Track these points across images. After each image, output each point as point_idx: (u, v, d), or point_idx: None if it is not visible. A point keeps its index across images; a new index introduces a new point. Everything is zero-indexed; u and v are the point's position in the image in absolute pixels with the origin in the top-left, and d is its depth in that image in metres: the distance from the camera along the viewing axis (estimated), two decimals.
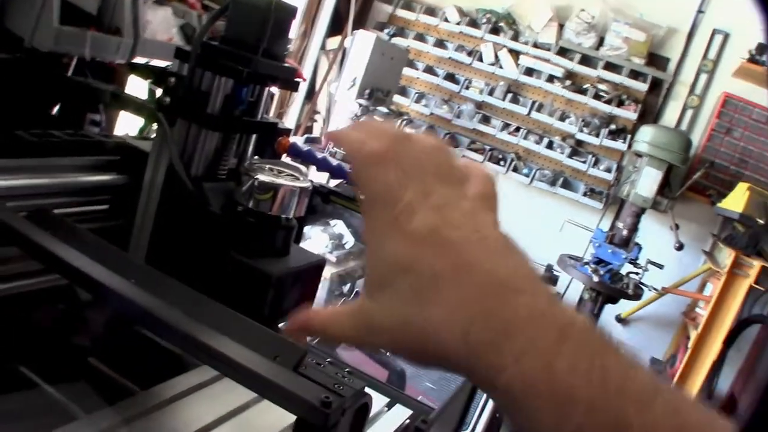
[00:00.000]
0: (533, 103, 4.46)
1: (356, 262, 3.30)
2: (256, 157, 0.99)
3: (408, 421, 0.94)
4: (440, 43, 4.74)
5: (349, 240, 3.71)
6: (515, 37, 4.51)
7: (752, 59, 3.84)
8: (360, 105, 3.74)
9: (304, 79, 4.41)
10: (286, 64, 0.91)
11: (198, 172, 0.89)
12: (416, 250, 0.42)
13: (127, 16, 1.26)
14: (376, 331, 0.43)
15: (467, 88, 4.62)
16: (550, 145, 4.41)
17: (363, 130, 0.48)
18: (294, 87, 0.94)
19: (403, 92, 4.72)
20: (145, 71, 1.15)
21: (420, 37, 4.78)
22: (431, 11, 4.77)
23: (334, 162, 1.01)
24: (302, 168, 1.12)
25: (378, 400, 0.97)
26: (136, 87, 1.61)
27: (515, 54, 4.53)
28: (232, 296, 0.71)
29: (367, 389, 0.56)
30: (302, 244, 1.05)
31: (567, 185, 4.41)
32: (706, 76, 4.28)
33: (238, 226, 0.86)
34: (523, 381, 0.38)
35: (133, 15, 1.27)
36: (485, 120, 4.62)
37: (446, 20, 4.67)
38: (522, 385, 0.38)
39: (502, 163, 4.50)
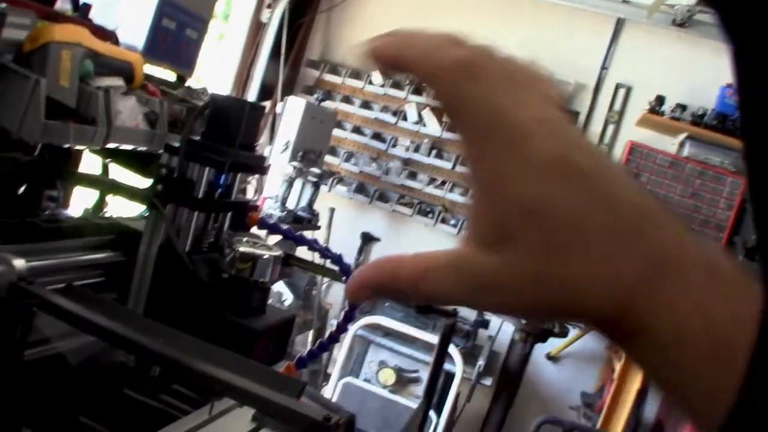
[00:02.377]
0: (457, 157, 4.75)
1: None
2: (229, 231, 1.16)
3: None
4: (366, 105, 5.01)
5: (288, 297, 3.86)
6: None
7: (652, 110, 4.28)
8: (294, 167, 3.93)
9: None
10: (256, 154, 1.09)
11: (187, 247, 1.05)
12: (550, 187, 0.34)
13: (101, 107, 1.42)
14: (492, 290, 0.36)
15: (394, 146, 4.88)
16: None
17: (421, 38, 0.38)
18: (264, 171, 1.12)
19: (333, 152, 4.94)
20: (125, 160, 1.30)
21: (347, 99, 5.04)
22: (356, 74, 5.05)
23: (296, 232, 1.19)
24: (262, 237, 1.29)
25: None
26: (89, 166, 1.76)
27: (438, 111, 4.84)
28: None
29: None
30: None
31: None
32: (613, 127, 4.69)
33: (224, 291, 1.02)
34: (678, 329, 0.32)
35: (105, 106, 1.43)
36: (412, 176, 4.88)
37: (371, 83, 4.95)
38: (676, 334, 0.33)
39: (430, 215, 4.76)
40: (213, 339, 1.00)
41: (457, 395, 3.76)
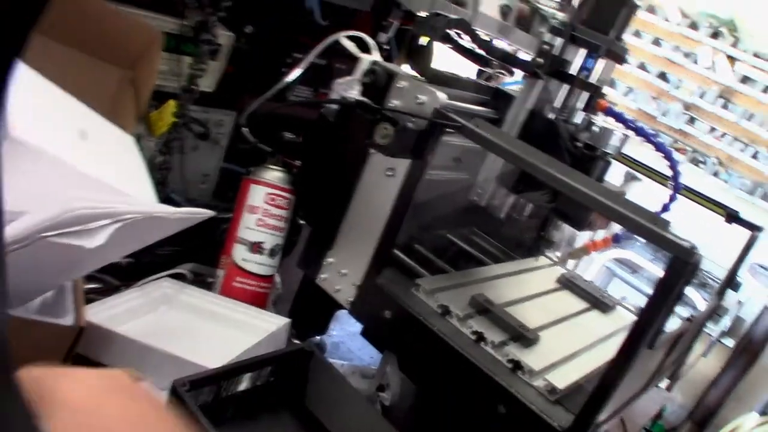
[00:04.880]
0: (745, 111, 4.47)
1: None
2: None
3: None
4: (655, 41, 4.85)
5: None
6: (734, 44, 4.52)
7: None
8: None
9: None
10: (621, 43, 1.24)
11: (553, 114, 1.24)
12: None
13: None
14: None
15: (677, 88, 4.70)
16: (755, 155, 4.42)
17: None
18: (624, 62, 1.26)
19: (612, 84, 4.89)
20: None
21: (636, 33, 4.90)
22: (652, 9, 4.87)
23: (637, 124, 1.32)
24: None
25: None
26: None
27: (732, 60, 4.55)
28: None
29: None
30: None
31: (766, 197, 4.40)
32: None
33: (579, 157, 1.20)
34: None
35: None
36: (691, 121, 4.69)
37: (666, 19, 4.76)
38: None
39: (701, 165, 4.57)
40: None
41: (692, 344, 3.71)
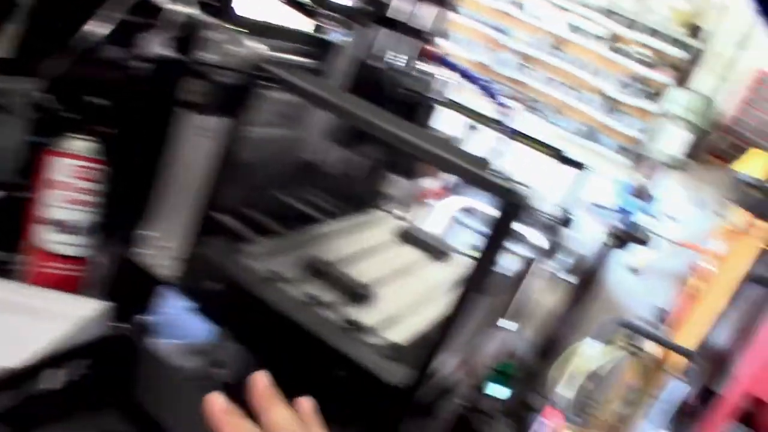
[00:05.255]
0: (574, 59, 4.70)
1: None
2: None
3: None
4: None
5: None
6: None
7: None
8: None
9: None
10: None
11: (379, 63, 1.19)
12: None
13: None
14: None
15: (511, 37, 4.86)
16: (584, 100, 4.68)
17: None
18: (449, 7, 1.24)
19: (449, 37, 4.97)
20: None
21: None
22: None
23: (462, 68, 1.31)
24: None
25: None
26: None
27: (562, 11, 4.75)
28: None
29: None
30: None
31: (596, 139, 4.69)
32: (739, 49, 4.51)
33: (406, 104, 1.17)
34: None
35: None
36: (525, 70, 4.87)
37: None
38: None
39: (538, 113, 4.78)
40: None
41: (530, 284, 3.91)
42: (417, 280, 1.25)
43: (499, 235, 0.83)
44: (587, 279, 4.39)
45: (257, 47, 0.99)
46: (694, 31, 4.50)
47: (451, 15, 1.25)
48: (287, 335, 0.99)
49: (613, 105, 4.65)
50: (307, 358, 0.98)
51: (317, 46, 1.25)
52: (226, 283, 1.05)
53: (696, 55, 4.55)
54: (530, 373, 4.58)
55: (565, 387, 3.62)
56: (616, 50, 4.55)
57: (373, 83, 1.14)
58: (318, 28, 1.59)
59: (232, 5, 1.17)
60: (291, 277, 1.06)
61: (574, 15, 4.66)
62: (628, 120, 4.58)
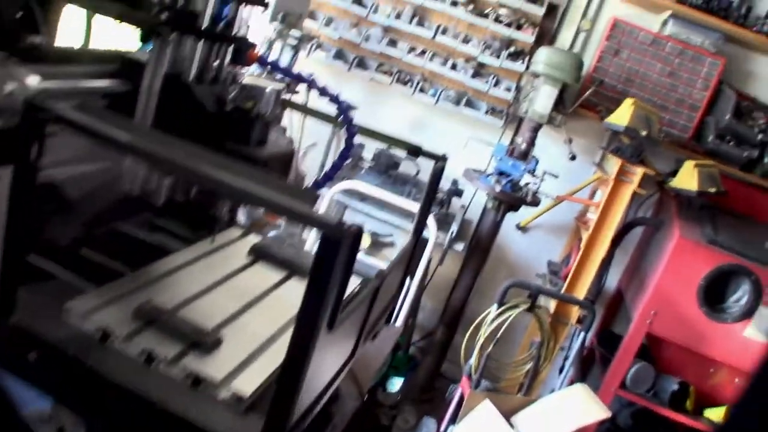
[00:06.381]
0: (438, 27, 4.67)
1: None
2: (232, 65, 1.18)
3: None
4: None
5: None
6: None
7: None
8: (274, 29, 3.84)
9: None
10: None
11: (191, 78, 1.07)
12: None
13: None
14: None
15: (375, 12, 4.77)
16: (453, 67, 4.67)
17: None
18: (262, 3, 1.12)
19: (312, 16, 4.82)
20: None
21: None
22: None
23: (295, 71, 1.21)
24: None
25: None
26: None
27: None
28: None
29: None
30: None
31: (470, 105, 4.70)
32: (598, 2, 4.62)
33: (228, 121, 1.06)
34: None
35: None
36: (392, 44, 4.81)
37: None
38: None
39: (409, 84, 4.74)
40: None
41: (429, 260, 3.91)
42: (270, 308, 1.15)
43: (326, 270, 0.74)
44: (479, 246, 4.44)
45: (30, 81, 0.85)
46: None
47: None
48: (120, 403, 0.87)
49: (482, 69, 4.67)
50: (148, 428, 0.87)
51: (123, 66, 1.11)
52: (45, 352, 0.91)
53: (557, 12, 4.63)
54: (442, 347, 4.62)
55: (473, 354, 3.66)
56: (479, 14, 4.56)
57: (185, 101, 1.02)
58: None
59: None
60: (125, 333, 0.94)
61: None
62: (499, 83, 4.61)
